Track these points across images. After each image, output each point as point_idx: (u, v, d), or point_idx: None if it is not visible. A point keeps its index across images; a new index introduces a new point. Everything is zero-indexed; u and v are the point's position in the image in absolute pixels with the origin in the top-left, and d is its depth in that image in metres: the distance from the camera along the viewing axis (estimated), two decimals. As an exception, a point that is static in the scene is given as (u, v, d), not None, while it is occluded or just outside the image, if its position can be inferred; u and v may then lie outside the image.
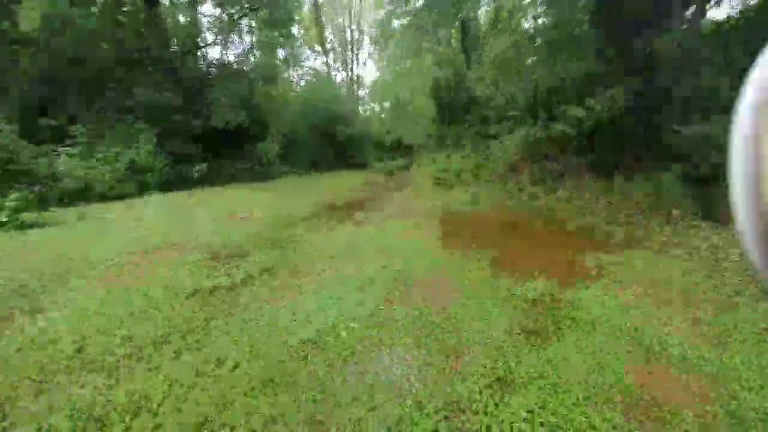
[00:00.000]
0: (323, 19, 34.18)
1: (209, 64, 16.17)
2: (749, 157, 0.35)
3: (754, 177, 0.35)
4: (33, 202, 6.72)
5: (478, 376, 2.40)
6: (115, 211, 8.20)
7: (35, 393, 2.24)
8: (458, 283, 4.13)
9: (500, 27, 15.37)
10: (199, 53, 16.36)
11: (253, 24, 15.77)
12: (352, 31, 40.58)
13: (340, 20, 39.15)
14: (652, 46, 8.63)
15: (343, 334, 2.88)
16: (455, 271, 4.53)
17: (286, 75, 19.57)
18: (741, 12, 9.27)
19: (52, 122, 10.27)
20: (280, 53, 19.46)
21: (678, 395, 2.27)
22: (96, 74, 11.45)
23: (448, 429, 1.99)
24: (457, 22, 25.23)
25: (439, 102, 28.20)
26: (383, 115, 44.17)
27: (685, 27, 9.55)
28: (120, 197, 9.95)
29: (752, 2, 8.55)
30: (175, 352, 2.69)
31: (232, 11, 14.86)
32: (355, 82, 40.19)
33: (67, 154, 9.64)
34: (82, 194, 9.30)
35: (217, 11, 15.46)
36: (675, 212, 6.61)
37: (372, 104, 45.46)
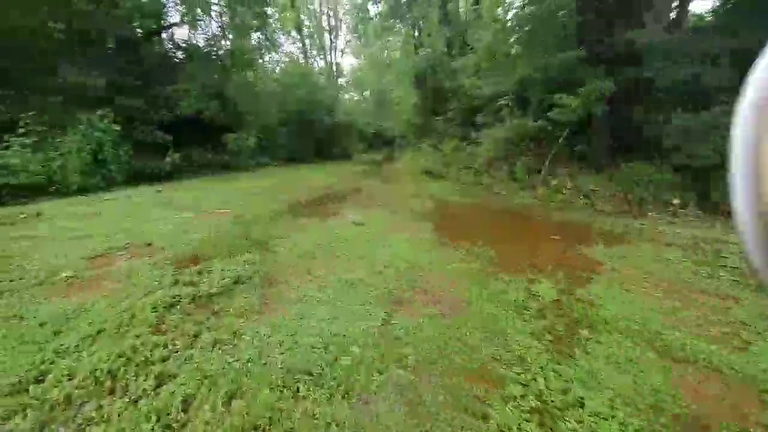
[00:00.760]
0: (298, 1, 32.75)
1: (176, 46, 15.04)
2: (749, 157, 0.34)
3: (754, 177, 0.34)
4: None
5: (512, 406, 2.11)
6: (75, 209, 7.41)
7: None
8: (463, 284, 3.84)
9: (485, 15, 15.08)
10: (164, 35, 15.19)
11: (224, 2, 14.68)
12: (329, 17, 39.39)
13: (316, 4, 37.82)
14: (634, 38, 8.55)
15: (341, 361, 2.52)
16: (457, 270, 4.24)
17: (261, 61, 18.45)
18: (723, 3, 9.32)
19: (2, 111, 9.18)
20: (254, 37, 18.42)
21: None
22: (46, 54, 10.31)
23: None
24: (436, 9, 24.75)
25: (421, 90, 27.78)
26: (363, 105, 43.35)
27: (672, 18, 9.54)
28: (83, 191, 9.07)
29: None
30: (128, 394, 2.23)
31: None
32: (335, 70, 39.14)
33: (19, 144, 8.65)
34: (41, 189, 8.39)
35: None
36: (675, 202, 6.56)
37: (351, 94, 44.60)
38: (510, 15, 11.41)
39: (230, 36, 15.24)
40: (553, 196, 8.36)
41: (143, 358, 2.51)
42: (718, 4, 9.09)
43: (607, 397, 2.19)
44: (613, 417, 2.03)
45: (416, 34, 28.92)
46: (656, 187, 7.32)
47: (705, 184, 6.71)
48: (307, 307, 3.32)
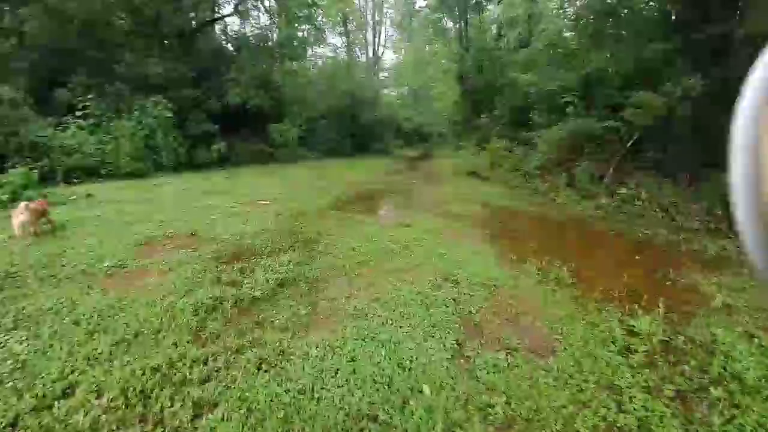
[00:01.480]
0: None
1: (228, 38, 15.22)
2: (749, 157, 0.35)
3: (754, 177, 0.35)
4: (33, 179, 6.02)
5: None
6: (124, 193, 7.49)
7: None
8: (545, 309, 3.23)
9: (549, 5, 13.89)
10: (217, 27, 15.44)
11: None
12: (374, 10, 39.00)
13: (362, -1, 37.53)
14: (730, 30, 7.34)
15: (412, 404, 2.03)
16: (533, 291, 3.63)
17: (308, 52, 18.38)
18: None
19: (66, 94, 9.56)
20: (302, 29, 18.34)
21: None
22: (108, 44, 10.65)
23: None
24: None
25: (464, 86, 26.72)
26: (398, 101, 42.61)
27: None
28: (132, 175, 9.27)
29: None
30: (161, 425, 1.86)
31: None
32: (376, 65, 38.81)
33: (78, 126, 8.96)
34: (93, 171, 8.63)
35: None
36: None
37: (390, 89, 44.05)
38: (578, 4, 10.35)
39: (279, 27, 15.20)
40: (622, 208, 7.41)
41: (181, 377, 2.16)
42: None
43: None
44: None
45: (464, 27, 27.86)
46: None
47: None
48: (363, 324, 2.86)
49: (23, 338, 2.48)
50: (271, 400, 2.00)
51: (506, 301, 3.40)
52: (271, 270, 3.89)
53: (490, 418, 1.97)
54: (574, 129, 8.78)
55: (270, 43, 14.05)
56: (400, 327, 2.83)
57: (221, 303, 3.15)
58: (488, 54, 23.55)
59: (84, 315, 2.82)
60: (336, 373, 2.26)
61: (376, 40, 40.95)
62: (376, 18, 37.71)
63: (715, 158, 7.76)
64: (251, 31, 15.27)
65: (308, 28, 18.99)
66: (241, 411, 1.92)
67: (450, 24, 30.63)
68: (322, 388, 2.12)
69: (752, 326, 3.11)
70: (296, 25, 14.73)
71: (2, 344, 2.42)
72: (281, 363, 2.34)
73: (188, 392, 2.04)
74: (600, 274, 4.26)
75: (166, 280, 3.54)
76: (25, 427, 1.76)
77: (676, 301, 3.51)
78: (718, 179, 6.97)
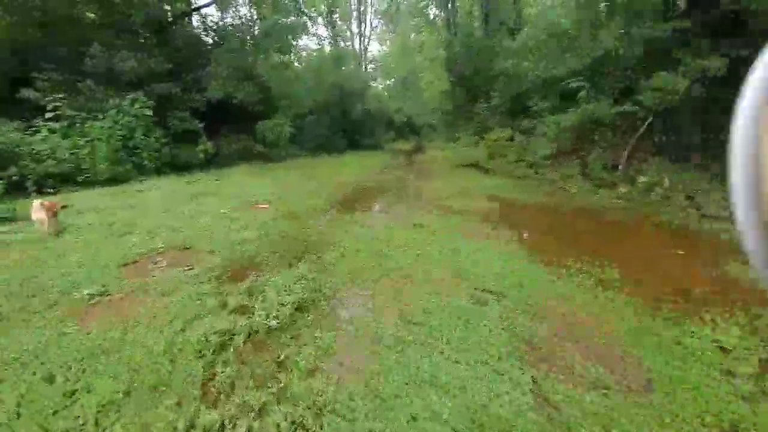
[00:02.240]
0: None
1: (206, 28, 14.31)
2: (749, 157, 0.35)
3: (754, 177, 0.35)
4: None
5: None
6: (105, 200, 6.77)
7: None
8: (610, 324, 2.78)
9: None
10: (195, 18, 14.50)
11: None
12: (357, 0, 37.96)
13: (345, -13, 36.43)
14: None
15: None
16: (585, 304, 3.17)
17: (293, 44, 17.43)
18: None
19: (33, 94, 8.67)
20: (285, 20, 17.41)
21: None
22: (75, 39, 9.73)
23: None
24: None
25: (455, 74, 26.18)
26: (386, 93, 41.76)
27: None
28: (113, 181, 8.49)
29: None
30: None
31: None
32: (363, 56, 37.92)
33: (49, 129, 8.13)
34: (68, 178, 7.84)
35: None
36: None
37: (377, 81, 43.17)
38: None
39: (262, 17, 14.33)
40: (645, 196, 7.05)
41: (191, 463, 1.63)
42: None
43: None
44: None
45: (452, 13, 27.22)
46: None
47: None
48: (407, 359, 2.35)
49: (-23, 409, 1.90)
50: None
51: (559, 314, 2.94)
52: (284, 289, 3.33)
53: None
54: (585, 115, 8.36)
55: (254, 34, 13.19)
56: (455, 359, 2.34)
57: (231, 338, 2.60)
58: (478, 40, 22.99)
59: (61, 365, 2.24)
60: None
61: (361, 30, 39.96)
62: (361, 8, 36.61)
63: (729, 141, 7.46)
64: (231, 21, 14.38)
65: (293, 19, 18.09)
66: None
67: (436, 11, 29.96)
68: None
69: None
70: (282, 13, 13.85)
71: (-52, 420, 1.83)
72: (319, 428, 1.82)
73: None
74: (645, 272, 3.84)
75: (161, 309, 2.96)
76: None
77: (750, 305, 3.10)
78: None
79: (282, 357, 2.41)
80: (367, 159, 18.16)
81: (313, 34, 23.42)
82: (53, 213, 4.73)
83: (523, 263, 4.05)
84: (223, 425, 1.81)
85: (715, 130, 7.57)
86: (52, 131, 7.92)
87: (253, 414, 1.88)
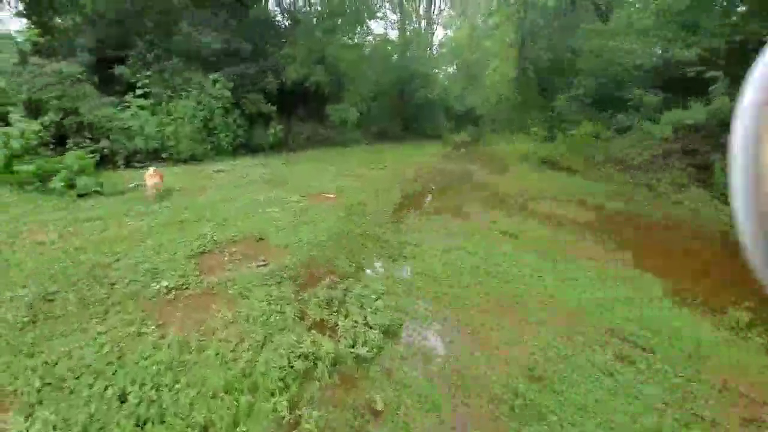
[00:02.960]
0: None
1: (282, 10, 14.29)
2: (749, 157, 0.35)
3: (754, 177, 0.35)
4: (88, 164, 5.48)
5: None
6: (182, 180, 6.90)
7: None
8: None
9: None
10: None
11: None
12: (427, -19, 36.21)
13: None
14: None
15: None
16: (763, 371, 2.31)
17: (360, 28, 16.91)
18: None
19: (126, 71, 9.18)
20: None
21: None
22: (166, 14, 10.08)
23: None
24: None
25: (528, 60, 24.12)
26: (445, 82, 39.93)
27: None
28: (192, 160, 8.76)
29: None
30: None
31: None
32: (430, 41, 36.45)
33: (139, 106, 8.55)
34: (154, 155, 8.18)
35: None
36: None
37: (443, 67, 41.40)
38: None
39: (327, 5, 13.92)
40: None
41: None
42: None
43: None
44: None
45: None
46: None
47: None
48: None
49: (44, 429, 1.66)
50: None
51: (734, 388, 2.13)
52: (367, 306, 2.88)
53: None
54: (718, 112, 6.83)
55: (325, 15, 12.87)
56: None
57: (315, 363, 2.20)
58: (559, 17, 20.60)
59: (133, 380, 1.97)
60: None
61: (429, 14, 38.25)
62: None
63: None
64: (304, 2, 14.21)
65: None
66: None
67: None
68: None
69: None
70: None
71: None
72: None
73: None
74: None
75: (237, 314, 2.66)
76: None
77: None
78: None
79: (370, 399, 1.94)
80: (430, 148, 17.38)
81: (381, 17, 22.54)
82: (161, 179, 5.46)
83: (661, 302, 3.19)
84: None
85: None
86: (141, 108, 8.30)
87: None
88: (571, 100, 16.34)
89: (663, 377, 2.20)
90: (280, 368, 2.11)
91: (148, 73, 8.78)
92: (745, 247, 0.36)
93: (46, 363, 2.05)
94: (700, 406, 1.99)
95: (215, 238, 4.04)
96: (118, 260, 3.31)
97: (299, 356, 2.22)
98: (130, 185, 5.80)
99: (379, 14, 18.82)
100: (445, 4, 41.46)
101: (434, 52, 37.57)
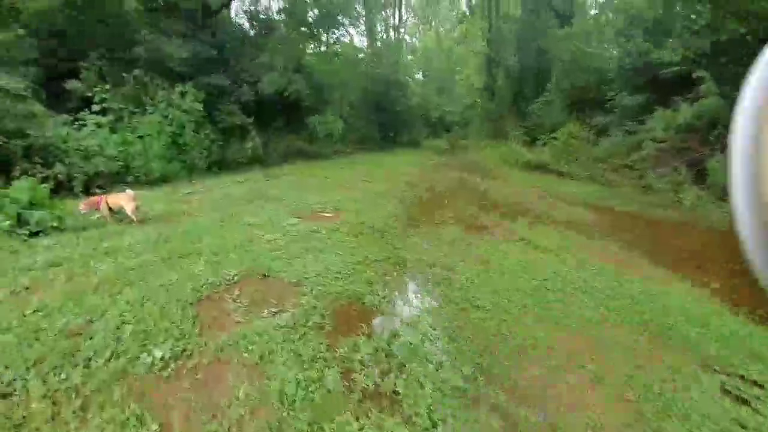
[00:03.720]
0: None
1: (252, 17, 13.57)
2: (749, 157, 0.35)
3: (754, 177, 0.35)
4: (42, 194, 4.55)
5: None
6: (155, 205, 6.04)
7: None
8: None
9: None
10: (235, 6, 13.78)
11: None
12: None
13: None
14: None
15: None
16: None
17: (334, 35, 16.44)
18: None
19: (80, 85, 8.12)
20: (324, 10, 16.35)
21: None
22: (122, 22, 9.12)
23: None
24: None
25: (496, 67, 24.70)
26: (417, 88, 40.32)
27: None
28: (162, 181, 7.82)
29: None
30: None
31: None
32: (403, 47, 36.58)
33: (96, 123, 7.52)
34: (117, 178, 7.20)
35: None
36: None
37: (411, 76, 41.70)
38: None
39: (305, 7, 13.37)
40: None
41: None
42: None
43: None
44: None
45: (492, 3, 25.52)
46: None
47: None
48: None
49: None
50: None
51: None
52: (430, 362, 2.33)
53: None
54: (705, 110, 6.91)
55: (307, 22, 12.27)
56: None
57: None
58: (526, 25, 21.16)
59: None
60: None
61: (394, 23, 38.47)
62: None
63: None
64: (279, 8, 13.55)
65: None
66: None
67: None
68: None
69: None
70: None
71: None
72: None
73: None
74: None
75: (264, 391, 2.02)
76: None
77: None
78: None
79: None
80: (413, 156, 17.10)
81: (351, 23, 22.15)
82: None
83: (731, 316, 2.87)
84: None
85: None
86: (99, 125, 7.30)
87: None
88: (545, 105, 16.67)
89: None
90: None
91: (107, 86, 7.80)
92: (745, 245, 0.36)
93: None
94: None
95: (210, 278, 3.33)
96: (91, 322, 2.55)
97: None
98: (96, 216, 4.90)
99: (346, 20, 18.36)
100: (408, 13, 42.03)
101: (405, 60, 37.79)
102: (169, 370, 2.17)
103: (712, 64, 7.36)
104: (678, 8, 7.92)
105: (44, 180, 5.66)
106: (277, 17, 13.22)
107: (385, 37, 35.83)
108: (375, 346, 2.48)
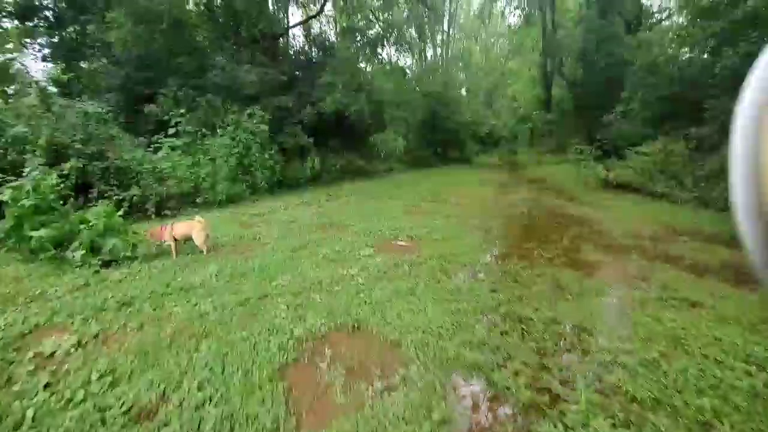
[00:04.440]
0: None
1: (312, 41, 13.76)
2: (749, 157, 0.34)
3: (754, 177, 0.34)
4: (114, 218, 4.36)
5: None
6: (226, 229, 5.78)
7: None
8: None
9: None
10: (298, 29, 14.11)
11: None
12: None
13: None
14: None
15: None
16: None
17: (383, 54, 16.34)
18: None
19: (155, 109, 8.42)
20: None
21: None
22: (198, 50, 9.44)
23: None
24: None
25: (554, 77, 23.33)
26: (468, 102, 39.49)
27: None
28: (229, 202, 7.72)
29: None
30: None
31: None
32: (453, 63, 36.18)
33: (169, 146, 7.66)
34: (188, 199, 7.17)
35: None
36: None
37: (458, 92, 41.03)
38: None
39: (375, 20, 13.33)
40: None
41: None
42: None
43: None
44: None
45: (551, 13, 24.31)
46: None
47: None
48: None
49: None
50: None
51: None
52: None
53: None
54: None
55: (366, 40, 12.20)
56: None
57: None
58: (595, 30, 19.57)
59: None
60: None
61: (444, 38, 38.17)
62: (450, 9, 34.25)
63: None
64: (339, 29, 13.64)
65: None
66: None
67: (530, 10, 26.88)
68: None
69: None
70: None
71: None
72: None
73: None
74: None
75: None
76: None
77: None
78: None
79: None
80: (469, 174, 16.21)
81: (405, 43, 22.06)
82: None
83: None
84: None
85: None
86: (173, 148, 7.40)
87: None
88: (621, 116, 15.05)
89: None
90: None
91: (182, 110, 7.95)
92: (745, 245, 0.35)
93: None
94: None
95: (296, 330, 2.77)
96: (166, 397, 2.05)
97: None
98: (163, 243, 4.62)
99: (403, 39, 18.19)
100: (455, 30, 41.67)
101: (455, 76, 37.29)
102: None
103: None
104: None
105: (120, 203, 5.63)
106: (335, 39, 13.29)
107: (434, 54, 35.73)
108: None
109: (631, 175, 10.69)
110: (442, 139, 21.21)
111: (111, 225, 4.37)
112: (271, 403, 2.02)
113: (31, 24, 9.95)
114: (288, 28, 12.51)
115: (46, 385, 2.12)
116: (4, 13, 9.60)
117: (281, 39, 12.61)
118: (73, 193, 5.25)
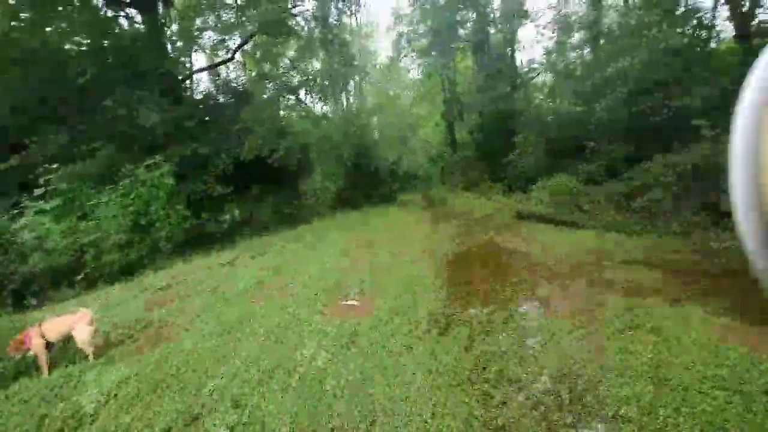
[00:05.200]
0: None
1: (224, 84, 12.96)
2: (749, 157, 0.35)
3: (754, 177, 0.35)
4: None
5: None
6: (116, 317, 4.46)
7: None
8: None
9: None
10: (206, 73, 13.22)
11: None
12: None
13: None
14: None
15: None
16: None
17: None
18: None
19: (14, 163, 6.59)
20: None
21: None
22: (78, 95, 7.94)
23: None
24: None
25: (458, 123, 25.95)
26: (380, 142, 41.56)
27: None
28: (125, 273, 6.17)
29: None
30: None
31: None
32: (362, 110, 37.79)
33: (35, 211, 5.94)
34: (63, 276, 5.50)
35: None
36: None
37: (374, 135, 42.94)
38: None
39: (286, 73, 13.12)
40: None
41: None
42: None
43: None
44: None
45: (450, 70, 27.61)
46: None
47: None
48: None
49: None
50: None
51: None
52: None
53: None
54: (707, 156, 6.88)
55: (283, 87, 11.80)
56: None
57: None
58: (486, 91, 22.56)
59: None
60: None
61: (361, 86, 40.14)
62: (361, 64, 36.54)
63: None
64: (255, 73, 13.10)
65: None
66: None
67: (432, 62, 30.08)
68: None
69: None
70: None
71: None
72: None
73: None
74: None
75: None
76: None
77: None
78: None
79: None
80: (399, 212, 16.28)
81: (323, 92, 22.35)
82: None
83: None
84: None
85: None
86: (41, 212, 5.74)
87: None
88: (518, 157, 17.05)
89: None
90: None
91: (54, 165, 6.36)
92: (744, 245, 0.35)
93: None
94: None
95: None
96: None
97: None
98: (15, 356, 3.22)
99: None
100: (366, 82, 44.36)
101: (369, 122, 38.99)
102: None
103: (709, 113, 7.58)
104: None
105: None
106: (248, 86, 12.71)
107: (349, 102, 37.15)
108: None
109: (541, 206, 11.89)
110: (368, 181, 21.44)
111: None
112: None
113: None
114: (191, 73, 11.54)
115: None
116: None
117: (186, 83, 11.55)
118: None
